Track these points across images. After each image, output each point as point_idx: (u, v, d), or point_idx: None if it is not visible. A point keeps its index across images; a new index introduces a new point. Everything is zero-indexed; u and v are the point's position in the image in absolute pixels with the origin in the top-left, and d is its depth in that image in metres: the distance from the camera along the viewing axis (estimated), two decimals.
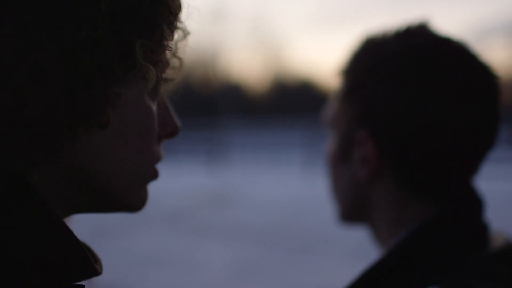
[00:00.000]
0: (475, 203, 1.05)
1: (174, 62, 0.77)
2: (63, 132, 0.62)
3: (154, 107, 0.72)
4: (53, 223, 0.63)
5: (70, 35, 0.61)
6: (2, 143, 0.61)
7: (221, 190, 13.55)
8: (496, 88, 1.06)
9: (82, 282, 0.66)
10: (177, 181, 15.24)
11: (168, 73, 0.77)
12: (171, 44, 0.71)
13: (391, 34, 1.09)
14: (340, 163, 1.12)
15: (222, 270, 6.72)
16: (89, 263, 0.66)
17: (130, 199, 0.72)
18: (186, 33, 0.76)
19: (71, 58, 0.61)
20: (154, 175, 0.74)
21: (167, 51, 0.71)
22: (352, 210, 1.13)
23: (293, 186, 13.91)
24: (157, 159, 0.74)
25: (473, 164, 1.06)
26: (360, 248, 6.67)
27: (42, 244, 0.61)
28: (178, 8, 0.71)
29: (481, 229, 1.03)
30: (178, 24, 0.73)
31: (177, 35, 0.74)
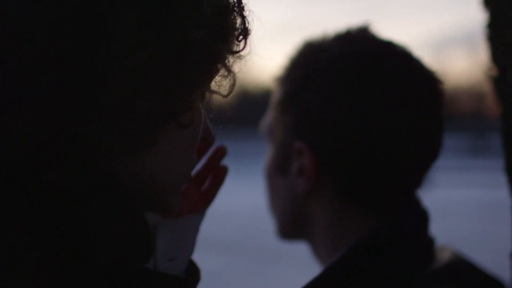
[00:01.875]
0: (419, 217, 0.99)
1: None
2: (155, 128, 0.64)
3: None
4: (136, 216, 0.65)
5: (183, 36, 0.63)
6: (104, 133, 0.61)
7: None
8: (439, 94, 1.00)
9: None
10: None
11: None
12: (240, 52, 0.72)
13: (330, 38, 1.02)
14: (278, 175, 1.05)
15: None
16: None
17: (171, 202, 0.72)
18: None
19: (181, 57, 0.63)
20: (190, 180, 0.75)
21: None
22: (291, 225, 1.06)
23: (257, 196, 13.82)
24: (195, 164, 0.75)
25: (416, 175, 1.00)
26: None
27: (128, 235, 0.64)
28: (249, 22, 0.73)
29: (426, 245, 0.97)
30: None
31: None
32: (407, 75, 0.97)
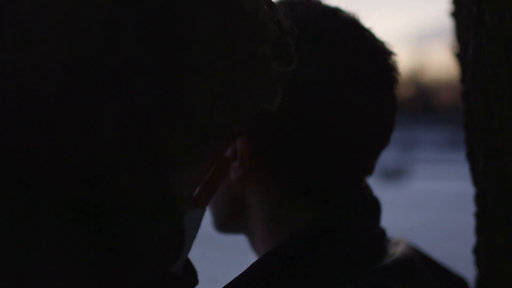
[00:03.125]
0: (368, 207, 0.88)
1: None
2: (218, 135, 0.64)
3: None
4: (178, 225, 0.63)
5: (249, 46, 0.63)
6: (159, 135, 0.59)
7: None
8: (392, 68, 0.88)
9: None
10: None
11: None
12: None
13: None
14: None
15: None
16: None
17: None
18: None
19: (252, 70, 0.63)
20: None
21: None
22: (227, 216, 0.95)
23: None
24: None
25: (364, 161, 0.88)
26: None
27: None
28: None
29: (375, 237, 0.85)
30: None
31: None
32: (355, 46, 0.85)
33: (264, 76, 0.66)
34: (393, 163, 14.40)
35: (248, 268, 0.77)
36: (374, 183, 0.99)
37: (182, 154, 0.61)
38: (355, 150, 0.85)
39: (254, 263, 0.78)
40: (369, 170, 0.89)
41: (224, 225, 0.97)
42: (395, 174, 13.96)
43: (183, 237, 0.63)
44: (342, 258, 0.79)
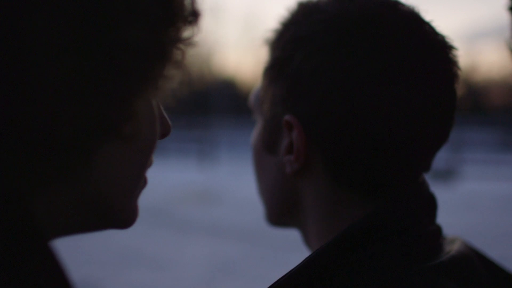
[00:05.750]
0: (424, 203, 0.86)
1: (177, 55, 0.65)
2: (86, 145, 0.55)
3: (156, 108, 0.65)
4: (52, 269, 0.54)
5: (117, 35, 0.54)
6: (6, 160, 0.51)
7: (208, 188, 13.46)
8: (451, 62, 0.86)
9: None
10: (164, 177, 15.16)
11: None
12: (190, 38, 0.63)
13: None
14: (266, 154, 0.93)
15: (203, 268, 6.64)
16: None
17: (127, 213, 0.64)
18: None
19: (114, 61, 0.54)
20: (144, 182, 0.67)
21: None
22: (280, 210, 0.94)
23: None
24: (151, 164, 0.67)
25: (421, 158, 0.86)
26: None
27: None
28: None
29: (430, 234, 0.84)
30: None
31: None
32: (415, 40, 0.83)
33: (140, 64, 0.56)
34: (442, 163, 14.22)
35: (301, 263, 0.77)
36: None
37: (39, 170, 0.53)
38: (412, 145, 0.83)
39: (307, 258, 0.77)
40: (426, 167, 0.88)
41: (277, 218, 0.96)
42: (444, 175, 13.78)
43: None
44: (397, 254, 0.78)
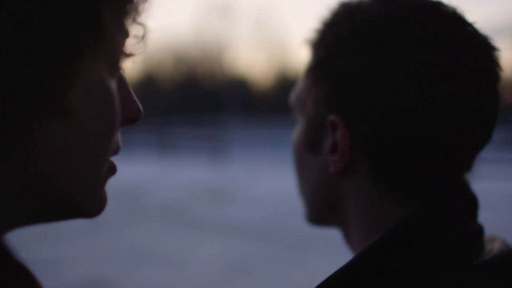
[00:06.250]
0: (466, 203, 0.87)
1: (136, 30, 0.62)
2: (11, 122, 0.51)
3: (115, 87, 0.59)
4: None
5: None
6: None
7: (221, 186, 13.48)
8: (494, 63, 0.86)
9: None
10: (177, 176, 15.20)
11: (129, 45, 0.62)
12: (136, 7, 0.59)
13: None
14: (308, 153, 0.94)
15: (216, 266, 6.64)
16: None
17: (90, 201, 0.60)
18: None
19: (25, 25, 0.48)
20: (112, 169, 0.63)
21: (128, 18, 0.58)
22: (321, 209, 0.95)
23: (294, 183, 13.79)
24: (117, 150, 0.63)
25: (464, 158, 0.87)
26: None
27: None
28: None
29: (473, 233, 0.85)
30: None
31: None
32: (458, 40, 0.84)
33: (69, 26, 0.52)
34: None
35: (350, 260, 0.78)
36: None
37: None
38: (456, 146, 0.84)
39: (352, 258, 0.79)
40: (469, 166, 0.89)
41: (318, 217, 0.97)
42: None
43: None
44: (442, 253, 0.79)
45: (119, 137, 0.63)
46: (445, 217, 0.83)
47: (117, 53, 0.58)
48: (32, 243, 7.53)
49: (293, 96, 1.01)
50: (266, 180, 14.89)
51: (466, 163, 0.88)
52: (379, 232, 0.85)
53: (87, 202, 0.60)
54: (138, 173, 15.88)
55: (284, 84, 45.30)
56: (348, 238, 0.94)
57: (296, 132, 0.99)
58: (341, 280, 0.77)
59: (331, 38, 0.89)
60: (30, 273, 0.59)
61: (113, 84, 0.59)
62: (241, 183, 14.06)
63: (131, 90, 0.64)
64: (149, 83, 46.26)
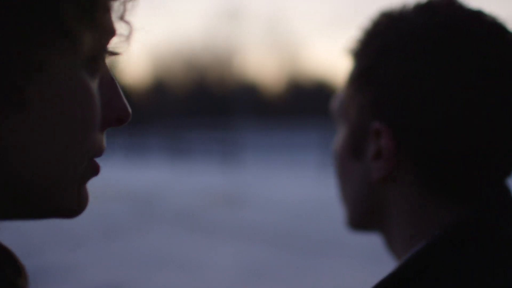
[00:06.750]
0: (510, 205, 0.89)
1: (122, 28, 0.61)
2: None
3: (94, 85, 0.58)
4: None
5: None
6: None
7: (234, 191, 13.49)
8: None
9: None
10: (190, 181, 15.22)
11: (115, 43, 0.62)
12: (114, 4, 0.58)
13: (410, 7, 0.92)
14: (351, 160, 0.96)
15: (230, 271, 6.64)
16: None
17: (67, 200, 0.59)
18: None
19: None
20: (93, 170, 0.61)
21: (110, 15, 0.57)
22: (363, 214, 0.97)
23: (306, 188, 13.86)
24: (97, 150, 0.60)
25: (508, 163, 0.89)
26: (374, 252, 6.59)
27: None
28: None
29: None
30: None
31: None
32: (502, 48, 0.87)
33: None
34: None
35: (399, 265, 0.81)
36: None
37: None
38: (502, 150, 0.87)
39: (403, 262, 0.81)
40: (510, 170, 0.91)
41: (359, 223, 0.99)
42: None
43: None
44: (492, 256, 0.81)
45: (102, 137, 0.61)
46: (496, 220, 0.85)
47: (95, 50, 0.57)
48: (48, 248, 7.56)
49: (335, 103, 1.03)
50: (279, 184, 14.89)
51: (510, 167, 0.90)
52: (424, 237, 0.87)
53: (64, 201, 0.59)
54: (151, 178, 15.93)
55: (294, 88, 45.38)
56: (390, 243, 0.96)
57: (338, 139, 1.01)
58: (392, 284, 0.79)
59: (375, 47, 0.91)
60: (15, 256, 0.59)
61: (91, 82, 0.58)
62: (254, 188, 14.07)
63: (119, 90, 0.62)
64: (160, 88, 46.42)
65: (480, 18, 0.89)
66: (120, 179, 15.38)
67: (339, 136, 1.00)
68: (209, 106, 39.94)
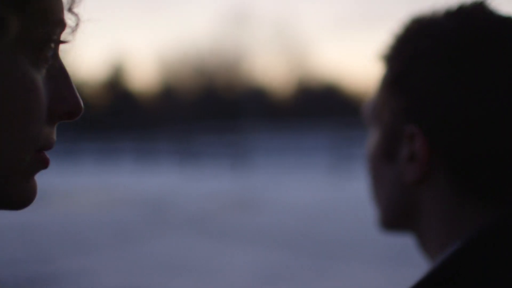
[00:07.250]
0: None
1: (70, 20, 0.61)
2: None
3: (38, 77, 0.57)
4: None
5: None
6: None
7: (245, 195, 13.49)
8: None
9: None
10: (200, 185, 15.23)
11: (63, 34, 0.60)
12: None
13: (441, 14, 0.95)
14: (383, 162, 0.99)
15: (244, 275, 6.63)
16: None
17: (12, 191, 0.57)
18: None
19: None
20: (40, 163, 0.59)
21: (58, 6, 0.57)
22: (396, 216, 0.99)
23: (317, 190, 13.86)
24: (45, 144, 0.59)
25: None
26: (387, 254, 6.58)
27: None
28: None
29: None
30: None
31: None
32: None
33: None
34: None
35: (430, 270, 0.83)
36: None
37: None
38: None
39: (436, 266, 0.83)
40: None
41: (392, 224, 1.01)
42: None
43: None
44: None
45: (50, 130, 0.60)
46: None
47: (38, 41, 0.56)
48: (61, 254, 7.58)
49: (367, 108, 1.06)
50: (290, 187, 14.89)
51: None
52: (458, 238, 0.89)
53: (8, 193, 0.58)
54: (162, 183, 15.95)
55: (303, 90, 45.34)
56: (423, 244, 0.97)
57: (370, 141, 1.03)
58: (433, 285, 0.81)
59: (407, 53, 0.94)
60: None
61: (34, 73, 0.57)
62: (265, 191, 14.07)
63: (71, 83, 0.61)
64: (169, 93, 46.46)
65: (510, 24, 0.91)
66: (131, 184, 15.41)
67: (372, 139, 1.03)
68: (218, 110, 39.98)
